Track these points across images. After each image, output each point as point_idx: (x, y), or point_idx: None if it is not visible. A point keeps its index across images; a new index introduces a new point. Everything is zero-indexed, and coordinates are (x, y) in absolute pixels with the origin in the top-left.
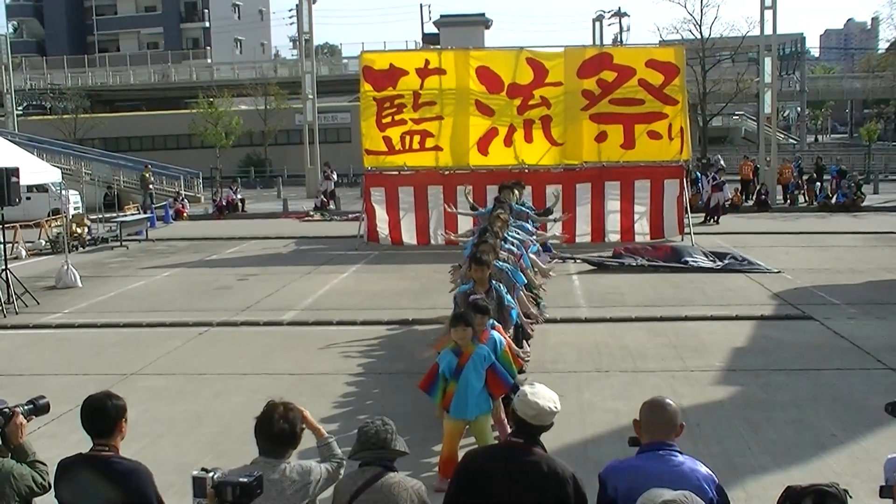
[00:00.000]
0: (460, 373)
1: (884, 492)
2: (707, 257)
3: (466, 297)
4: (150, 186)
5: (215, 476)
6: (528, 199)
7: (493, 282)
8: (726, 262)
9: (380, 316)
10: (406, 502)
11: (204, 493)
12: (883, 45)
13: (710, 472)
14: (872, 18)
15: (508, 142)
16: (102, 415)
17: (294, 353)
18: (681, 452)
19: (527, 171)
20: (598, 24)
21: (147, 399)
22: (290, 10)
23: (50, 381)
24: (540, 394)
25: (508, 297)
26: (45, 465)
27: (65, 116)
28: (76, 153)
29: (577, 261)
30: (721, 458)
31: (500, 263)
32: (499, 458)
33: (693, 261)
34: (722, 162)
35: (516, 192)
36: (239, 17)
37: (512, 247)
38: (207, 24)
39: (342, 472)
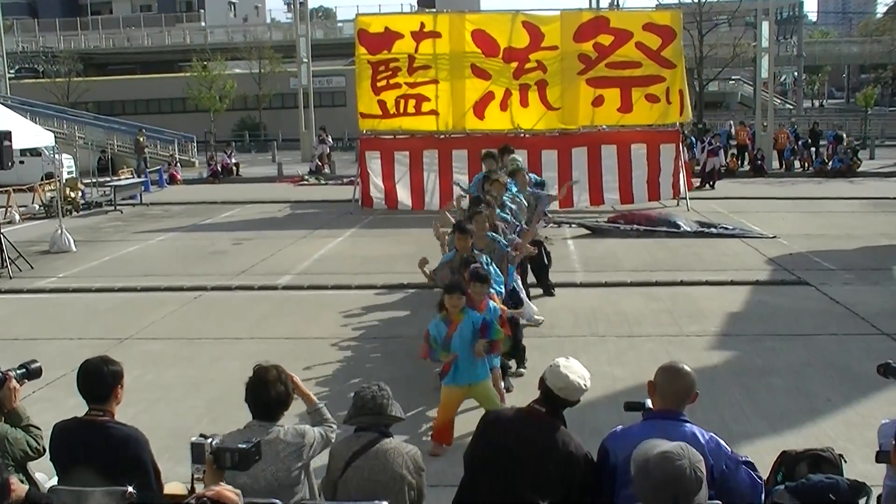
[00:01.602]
0: (449, 342)
1: (879, 457)
2: (702, 226)
3: (448, 266)
4: (145, 150)
5: (214, 442)
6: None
7: (476, 251)
8: (718, 230)
9: (375, 280)
10: (401, 468)
11: (202, 460)
12: (881, 10)
13: (720, 443)
14: None
15: (504, 106)
16: (99, 380)
17: (289, 318)
18: (689, 422)
19: (523, 135)
20: None
21: (142, 364)
22: None
23: (45, 346)
24: (572, 368)
25: (493, 267)
26: (39, 429)
27: (57, 80)
28: (69, 117)
29: (573, 225)
30: (717, 423)
31: (493, 234)
32: (516, 424)
33: (686, 226)
34: (733, 130)
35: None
36: None
37: (507, 215)
38: None
39: (334, 436)
